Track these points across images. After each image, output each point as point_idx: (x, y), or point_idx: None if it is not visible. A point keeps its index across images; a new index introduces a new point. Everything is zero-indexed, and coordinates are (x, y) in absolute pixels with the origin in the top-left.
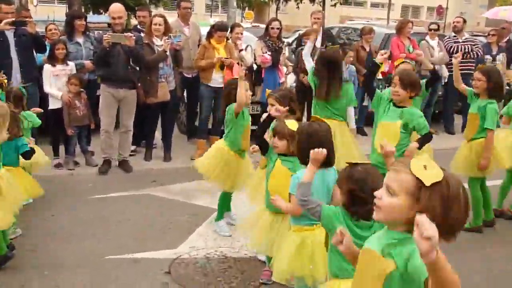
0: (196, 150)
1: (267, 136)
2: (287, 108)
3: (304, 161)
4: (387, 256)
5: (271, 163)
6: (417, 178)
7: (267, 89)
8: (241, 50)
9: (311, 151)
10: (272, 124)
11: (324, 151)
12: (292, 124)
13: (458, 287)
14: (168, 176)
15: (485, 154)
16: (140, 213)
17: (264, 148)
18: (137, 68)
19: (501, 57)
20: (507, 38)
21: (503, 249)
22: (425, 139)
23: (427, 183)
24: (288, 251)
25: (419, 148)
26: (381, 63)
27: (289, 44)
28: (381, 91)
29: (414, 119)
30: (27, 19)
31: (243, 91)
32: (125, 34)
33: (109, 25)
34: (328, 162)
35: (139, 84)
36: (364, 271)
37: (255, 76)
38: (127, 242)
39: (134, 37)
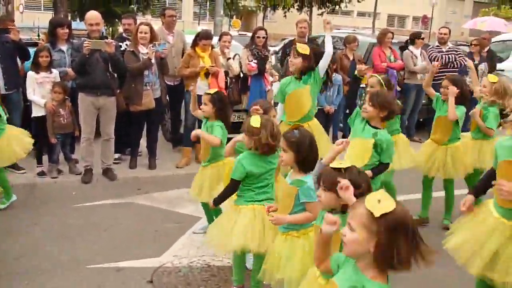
0: (181, 158)
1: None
2: None
3: (303, 168)
4: None
5: None
6: (369, 211)
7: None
8: (228, 58)
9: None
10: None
11: None
12: (254, 121)
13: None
14: (153, 184)
15: None
16: (124, 221)
17: None
18: (116, 75)
19: (483, 66)
20: (488, 47)
21: None
22: (380, 169)
23: (377, 214)
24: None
25: (373, 177)
26: (362, 76)
27: (276, 53)
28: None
29: (383, 144)
30: (9, 27)
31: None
32: (106, 40)
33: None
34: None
35: (118, 91)
36: None
37: (241, 84)
38: (111, 250)
39: (114, 43)
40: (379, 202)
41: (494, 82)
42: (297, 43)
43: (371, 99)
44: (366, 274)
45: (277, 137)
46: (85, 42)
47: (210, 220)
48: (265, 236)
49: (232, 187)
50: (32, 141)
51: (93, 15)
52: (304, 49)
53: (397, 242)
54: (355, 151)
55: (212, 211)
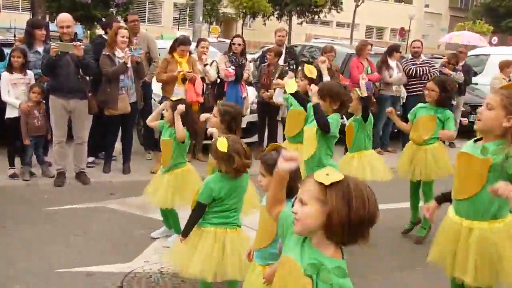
0: (156, 162)
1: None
2: (223, 125)
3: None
4: (307, 276)
5: None
6: (320, 182)
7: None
8: (206, 64)
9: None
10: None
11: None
12: (221, 144)
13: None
14: (126, 188)
15: None
16: (96, 226)
17: None
18: (87, 78)
19: (458, 74)
20: (464, 61)
21: None
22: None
23: (327, 183)
24: None
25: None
26: None
27: (255, 60)
28: None
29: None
30: None
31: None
32: (74, 43)
33: (75, 34)
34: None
35: (90, 94)
36: (285, 280)
37: (217, 90)
38: (82, 255)
39: (82, 46)
40: (328, 175)
41: None
42: (305, 65)
43: (319, 93)
44: (323, 252)
45: (249, 157)
46: (52, 45)
47: (168, 226)
48: (225, 264)
49: (199, 211)
50: None
51: (64, 17)
52: (311, 72)
53: (349, 211)
54: (306, 142)
55: (169, 217)
